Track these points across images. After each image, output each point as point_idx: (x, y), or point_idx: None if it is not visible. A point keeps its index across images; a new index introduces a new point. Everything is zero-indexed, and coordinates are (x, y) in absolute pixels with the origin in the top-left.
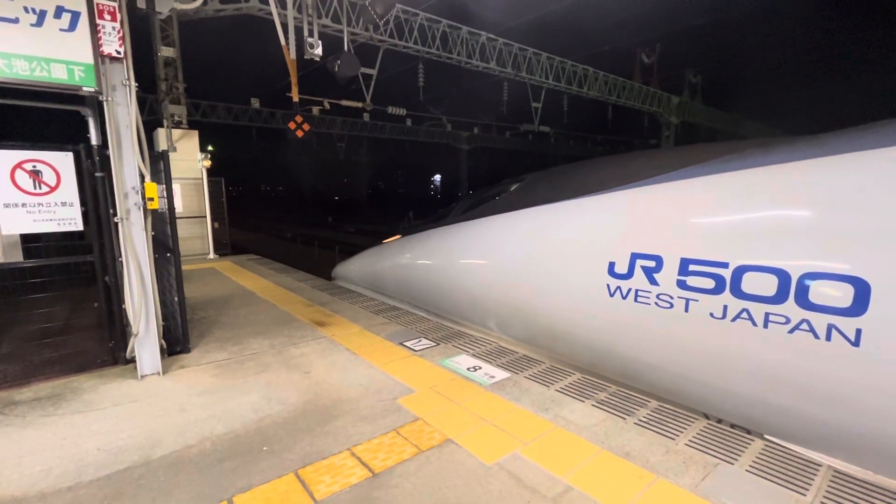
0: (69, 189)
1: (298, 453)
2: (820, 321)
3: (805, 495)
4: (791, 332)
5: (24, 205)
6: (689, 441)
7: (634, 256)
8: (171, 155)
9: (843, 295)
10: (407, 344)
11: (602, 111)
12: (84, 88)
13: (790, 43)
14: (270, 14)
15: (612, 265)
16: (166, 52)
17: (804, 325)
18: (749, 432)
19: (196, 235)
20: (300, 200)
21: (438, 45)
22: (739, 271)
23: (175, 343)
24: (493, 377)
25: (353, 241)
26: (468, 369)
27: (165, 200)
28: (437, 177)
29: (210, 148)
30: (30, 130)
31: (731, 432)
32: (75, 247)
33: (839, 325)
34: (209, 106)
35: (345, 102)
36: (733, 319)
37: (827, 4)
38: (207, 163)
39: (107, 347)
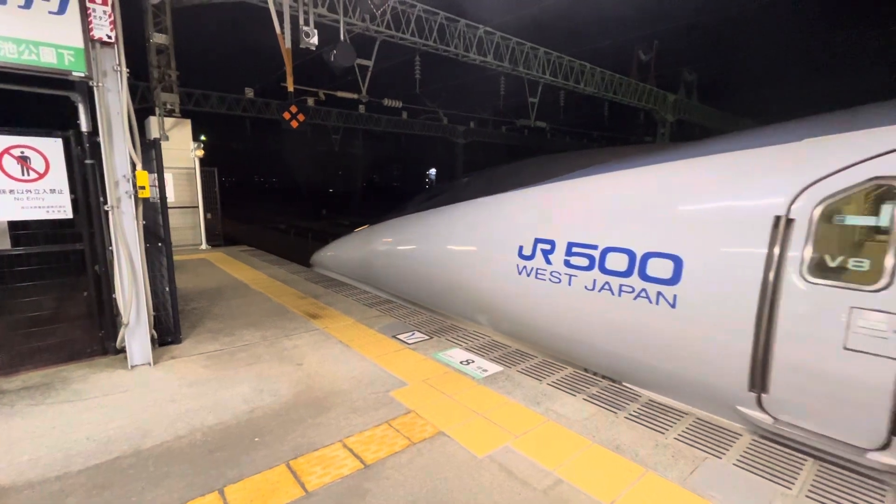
0: (58, 176)
1: (290, 444)
2: (653, 289)
3: (790, 489)
4: (635, 298)
5: (11, 191)
6: (679, 435)
7: (536, 241)
8: (164, 144)
9: (666, 269)
10: (400, 337)
11: (598, 107)
12: (74, 73)
13: (785, 42)
14: (265, 2)
15: (520, 248)
16: (159, 38)
17: (643, 293)
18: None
19: (188, 226)
20: (294, 192)
21: (436, 38)
22: (605, 252)
23: (166, 333)
24: (485, 371)
25: (346, 233)
26: (461, 363)
27: (157, 189)
28: (433, 171)
29: (203, 137)
30: (17, 115)
31: (719, 428)
32: (64, 235)
33: (664, 292)
34: (202, 95)
35: (340, 93)
36: (599, 290)
37: (823, 4)
38: (200, 152)
39: (97, 337)
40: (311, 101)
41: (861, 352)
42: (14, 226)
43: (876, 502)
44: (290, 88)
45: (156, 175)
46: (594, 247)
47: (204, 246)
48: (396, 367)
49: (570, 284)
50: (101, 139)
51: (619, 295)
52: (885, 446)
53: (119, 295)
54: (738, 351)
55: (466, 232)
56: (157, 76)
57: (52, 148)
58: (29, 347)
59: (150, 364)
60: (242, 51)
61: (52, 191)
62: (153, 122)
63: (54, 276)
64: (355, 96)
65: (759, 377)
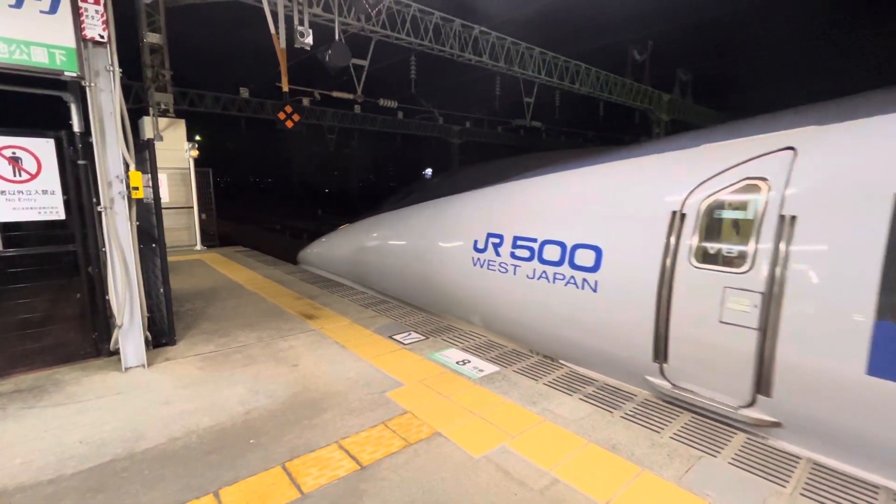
0: (50, 177)
1: (286, 446)
2: (579, 276)
3: (785, 487)
4: (566, 285)
5: (2, 192)
6: (674, 434)
7: (488, 235)
8: (158, 144)
9: (590, 258)
10: (396, 337)
11: (594, 107)
12: (66, 73)
13: (780, 42)
14: (260, 1)
15: (476, 242)
16: (152, 38)
17: (572, 280)
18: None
19: (183, 226)
20: (290, 192)
21: (431, 38)
22: (542, 244)
23: (160, 335)
24: (481, 371)
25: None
26: (457, 363)
27: (151, 190)
28: (429, 171)
29: (198, 138)
30: (8, 116)
31: (715, 426)
32: (57, 236)
33: (588, 279)
34: (197, 95)
35: (335, 93)
36: (538, 279)
37: (818, 3)
38: (195, 152)
39: (90, 339)
40: (306, 101)
41: (732, 324)
42: (6, 227)
43: (868, 501)
44: (285, 88)
45: (149, 175)
46: (534, 240)
47: (199, 246)
48: (392, 368)
49: (515, 274)
50: (93, 139)
51: (554, 282)
52: (751, 404)
53: (112, 296)
54: (644, 328)
55: (432, 228)
56: (151, 76)
57: (44, 148)
58: (21, 350)
59: (144, 366)
60: (237, 50)
61: (45, 192)
62: (147, 122)
63: (47, 277)
64: (351, 96)
65: (661, 349)
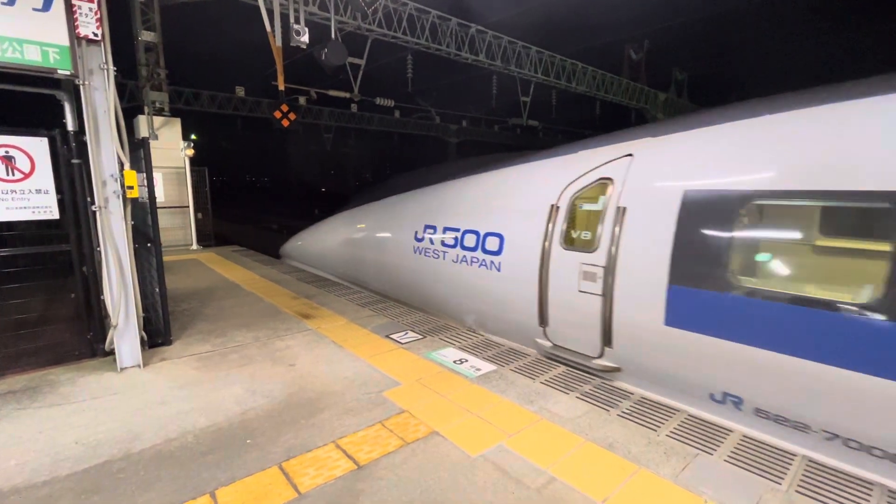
0: (44, 176)
1: (283, 446)
2: (488, 259)
3: (780, 484)
4: (479, 267)
5: None
6: (671, 432)
7: (426, 227)
8: (153, 143)
9: (496, 244)
10: (393, 337)
11: (590, 106)
12: (59, 71)
13: (776, 42)
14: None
15: (416, 233)
16: (147, 36)
17: (484, 263)
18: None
19: (178, 226)
20: (286, 191)
21: (428, 37)
22: (463, 233)
23: (156, 335)
24: (479, 370)
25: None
26: (454, 362)
27: (146, 189)
28: None
29: (193, 137)
30: (1, 114)
31: (710, 424)
32: (51, 236)
33: (494, 261)
34: (192, 93)
35: (332, 92)
36: (460, 262)
37: (815, 3)
38: (190, 151)
39: (85, 339)
40: (302, 100)
41: (586, 292)
42: None
43: (863, 498)
44: (281, 87)
45: (144, 175)
46: (457, 229)
47: (194, 246)
48: (390, 367)
49: (444, 259)
50: (87, 138)
51: (471, 265)
52: (601, 355)
53: (107, 296)
54: (532, 299)
55: (387, 222)
56: (146, 74)
57: (37, 147)
58: (15, 350)
59: (139, 366)
60: (233, 49)
61: (38, 191)
62: (142, 120)
63: (41, 277)
64: (347, 95)
65: (544, 316)
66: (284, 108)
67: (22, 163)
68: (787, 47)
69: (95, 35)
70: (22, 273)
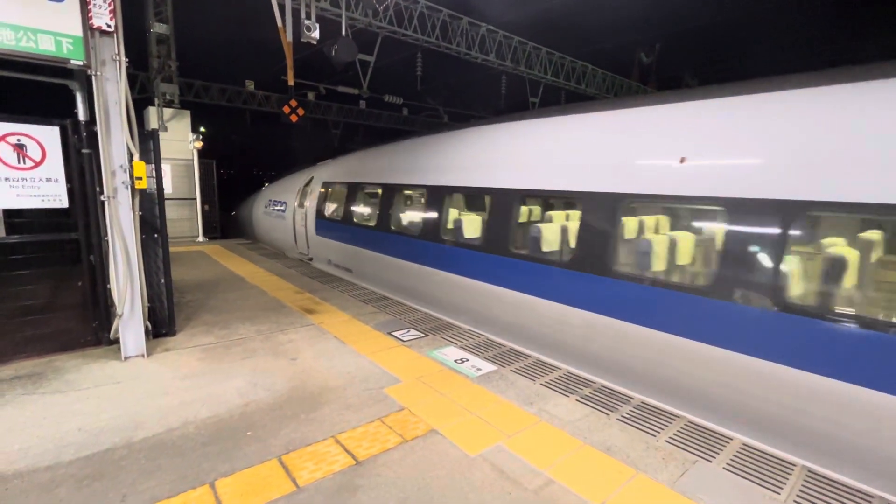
0: (54, 164)
1: (283, 439)
2: (283, 215)
3: (779, 494)
4: (283, 220)
5: (6, 179)
6: (670, 438)
7: (270, 200)
8: (162, 135)
9: (283, 206)
10: (395, 334)
11: None
12: (72, 62)
13: (788, 47)
14: None
15: (268, 202)
16: (159, 28)
17: (282, 216)
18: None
19: (185, 218)
20: None
21: (438, 35)
22: (275, 202)
23: (161, 325)
24: (479, 369)
25: None
26: (455, 361)
27: (154, 180)
28: None
29: (202, 129)
30: (14, 103)
31: (710, 431)
32: (60, 224)
33: (283, 215)
34: (202, 86)
35: (341, 88)
36: (276, 217)
37: (827, 9)
38: (199, 144)
39: (90, 327)
40: (311, 96)
41: (303, 228)
42: (9, 214)
43: None
44: (291, 82)
45: (153, 166)
46: (280, 202)
47: (201, 238)
48: (391, 364)
49: (274, 217)
50: (98, 129)
51: (281, 219)
52: (308, 254)
53: (114, 285)
54: (292, 235)
55: (264, 197)
56: (157, 66)
57: (48, 136)
58: (22, 336)
59: (143, 356)
60: (244, 42)
61: (48, 179)
62: (152, 112)
63: (49, 265)
64: (356, 92)
65: (305, 245)
66: (293, 103)
67: (33, 151)
68: (801, 53)
69: (108, 26)
70: (30, 260)
